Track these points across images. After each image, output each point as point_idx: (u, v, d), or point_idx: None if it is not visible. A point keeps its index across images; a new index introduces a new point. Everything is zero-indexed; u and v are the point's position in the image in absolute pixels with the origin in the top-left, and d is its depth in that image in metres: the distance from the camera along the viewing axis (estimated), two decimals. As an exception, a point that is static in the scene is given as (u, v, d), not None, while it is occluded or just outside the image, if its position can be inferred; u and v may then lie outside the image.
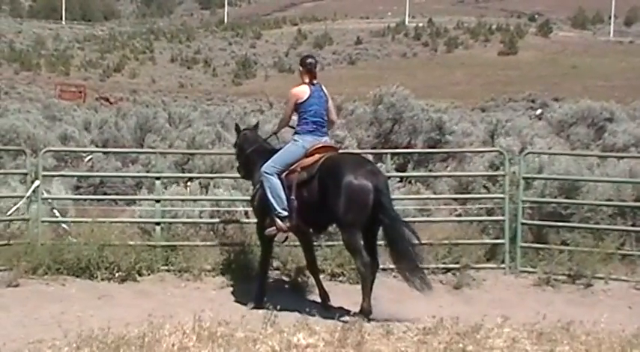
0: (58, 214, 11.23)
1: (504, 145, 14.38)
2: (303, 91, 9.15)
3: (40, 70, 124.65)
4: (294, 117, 9.29)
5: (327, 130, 9.26)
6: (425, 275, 8.56)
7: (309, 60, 9.36)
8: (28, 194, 10.67)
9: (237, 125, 10.76)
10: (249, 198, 11.49)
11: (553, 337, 6.88)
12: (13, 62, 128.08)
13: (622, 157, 14.16)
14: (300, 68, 9.35)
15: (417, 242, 8.58)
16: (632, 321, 7.71)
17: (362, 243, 8.55)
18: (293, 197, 8.80)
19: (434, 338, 6.91)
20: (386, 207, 8.40)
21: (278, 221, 8.89)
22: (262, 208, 9.12)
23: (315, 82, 9.20)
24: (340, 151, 9.63)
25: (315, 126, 9.05)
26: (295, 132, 9.15)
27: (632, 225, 11.16)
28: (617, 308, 9.14)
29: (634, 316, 8.55)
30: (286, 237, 9.25)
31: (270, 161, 9.03)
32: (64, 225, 11.07)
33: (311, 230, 9.28)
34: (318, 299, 9.25)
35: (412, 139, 19.14)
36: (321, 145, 8.98)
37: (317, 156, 8.82)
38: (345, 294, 9.42)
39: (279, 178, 8.90)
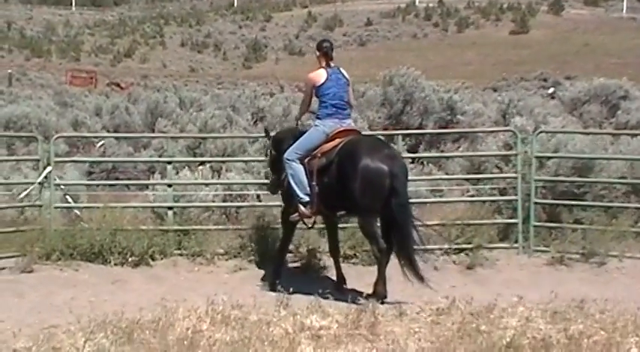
0: (70, 200, 11.26)
1: (518, 125, 14.28)
2: (319, 75, 9.07)
3: (51, 57, 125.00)
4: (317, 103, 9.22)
5: (349, 113, 9.16)
6: (417, 268, 8.48)
7: (325, 43, 9.29)
8: (39, 180, 10.69)
9: (266, 130, 10.65)
10: (261, 181, 11.52)
11: (567, 316, 6.87)
12: (24, 49, 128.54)
13: (635, 135, 14.05)
14: (317, 52, 9.27)
15: (418, 236, 8.62)
16: (646, 299, 7.67)
17: (378, 227, 8.55)
18: (314, 183, 8.77)
19: (447, 319, 6.91)
20: (398, 192, 8.36)
21: (301, 207, 8.88)
22: (288, 194, 9.11)
23: (332, 64, 9.12)
24: (362, 134, 9.46)
25: (334, 109, 8.95)
26: (316, 117, 9.11)
27: (646, 203, 11.10)
28: (631, 286, 9.11)
29: (648, 294, 8.51)
30: (314, 222, 9.27)
31: (292, 147, 8.99)
32: (76, 211, 11.10)
33: (337, 213, 9.24)
34: (331, 282, 9.24)
35: (423, 120, 19.12)
36: (342, 129, 8.90)
37: (337, 140, 8.77)
38: (358, 276, 9.41)
39: (302, 164, 8.87)
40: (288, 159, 8.93)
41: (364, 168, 8.32)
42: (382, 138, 9.13)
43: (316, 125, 9.01)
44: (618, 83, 24.61)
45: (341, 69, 9.16)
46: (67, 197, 11.26)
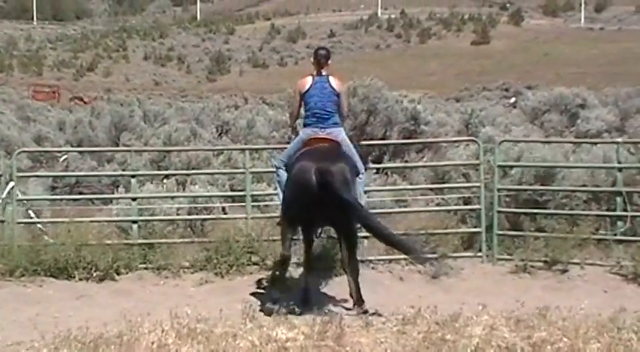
0: (33, 215, 11.17)
1: (489, 134, 14.45)
2: (304, 82, 9.08)
3: (13, 71, 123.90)
4: None
5: (334, 122, 8.94)
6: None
7: (320, 51, 9.28)
8: (3, 196, 10.59)
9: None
10: (226, 194, 11.52)
11: (531, 323, 6.92)
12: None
13: (595, 143, 14.27)
14: (312, 59, 9.28)
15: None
16: (607, 305, 7.76)
17: (291, 232, 8.65)
18: None
19: (413, 328, 6.93)
20: (329, 200, 8.19)
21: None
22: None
23: (324, 73, 9.07)
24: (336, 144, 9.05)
25: (315, 119, 8.89)
26: (303, 125, 9.13)
27: (607, 210, 11.24)
28: (593, 293, 9.21)
29: (610, 300, 8.61)
30: (320, 231, 9.15)
31: (279, 155, 9.08)
32: (39, 226, 11.01)
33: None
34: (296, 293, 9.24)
35: (387, 131, 19.20)
36: (317, 137, 8.84)
37: (306, 148, 8.77)
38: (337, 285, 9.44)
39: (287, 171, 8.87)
40: (275, 166, 9.09)
41: (293, 174, 8.47)
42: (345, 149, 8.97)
43: (299, 133, 9.07)
44: (577, 92, 24.98)
45: (331, 78, 9.03)
46: (30, 212, 11.16)
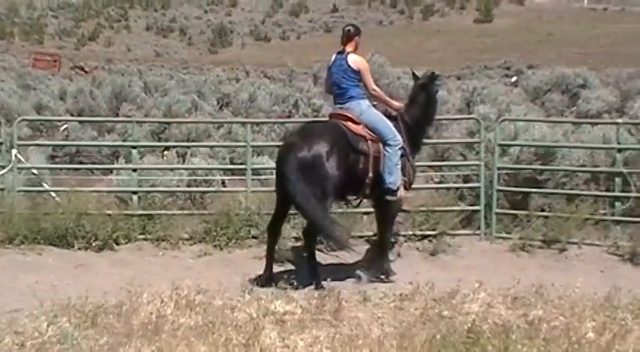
0: (45, 185, 11.23)
1: (481, 112, 14.41)
2: (331, 59, 9.25)
3: (14, 39, 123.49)
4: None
5: (349, 96, 8.93)
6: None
7: (346, 28, 9.29)
8: (11, 166, 10.57)
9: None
10: (226, 166, 11.54)
11: (527, 301, 6.99)
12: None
13: (595, 123, 14.27)
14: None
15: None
16: (603, 285, 7.80)
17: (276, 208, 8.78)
18: None
19: (410, 304, 6.99)
20: (287, 180, 8.31)
21: None
22: None
23: (348, 50, 9.03)
24: (344, 120, 8.94)
25: (335, 94, 9.11)
26: None
27: (606, 191, 11.26)
28: (589, 272, 9.26)
29: (606, 279, 8.65)
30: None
31: None
32: (52, 194, 11.00)
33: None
34: (294, 268, 9.29)
35: (389, 107, 19.15)
36: (334, 112, 9.07)
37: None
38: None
39: None
40: None
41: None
42: (342, 123, 8.90)
43: None
44: (578, 72, 24.96)
45: (350, 55, 8.99)
46: (44, 183, 11.25)
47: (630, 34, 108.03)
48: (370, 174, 8.66)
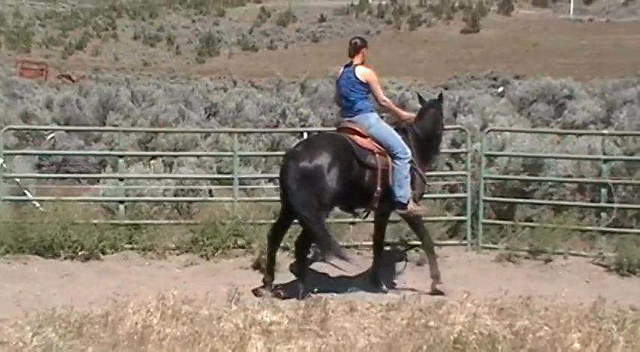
0: (28, 194, 11.18)
1: (463, 123, 14.48)
2: (338, 72, 9.26)
3: (0, 47, 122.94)
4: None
5: (357, 109, 8.89)
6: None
7: (351, 41, 9.25)
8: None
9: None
10: (213, 176, 11.53)
11: (513, 312, 7.01)
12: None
13: (581, 134, 14.35)
14: None
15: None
16: (589, 295, 7.84)
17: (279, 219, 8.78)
18: None
19: (397, 314, 7.00)
20: (288, 188, 8.34)
21: None
22: None
23: (355, 62, 9.01)
24: (351, 134, 8.90)
25: (343, 107, 9.13)
26: None
27: (591, 201, 11.31)
28: (575, 283, 9.28)
29: (591, 290, 8.67)
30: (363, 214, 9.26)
31: None
32: (36, 203, 10.96)
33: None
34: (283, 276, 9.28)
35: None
36: (342, 126, 9.06)
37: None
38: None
39: None
40: None
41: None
42: (348, 136, 8.88)
43: None
44: (564, 83, 25.09)
45: (358, 67, 8.95)
46: (26, 191, 11.19)
47: (615, 45, 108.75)
48: (379, 188, 8.63)
